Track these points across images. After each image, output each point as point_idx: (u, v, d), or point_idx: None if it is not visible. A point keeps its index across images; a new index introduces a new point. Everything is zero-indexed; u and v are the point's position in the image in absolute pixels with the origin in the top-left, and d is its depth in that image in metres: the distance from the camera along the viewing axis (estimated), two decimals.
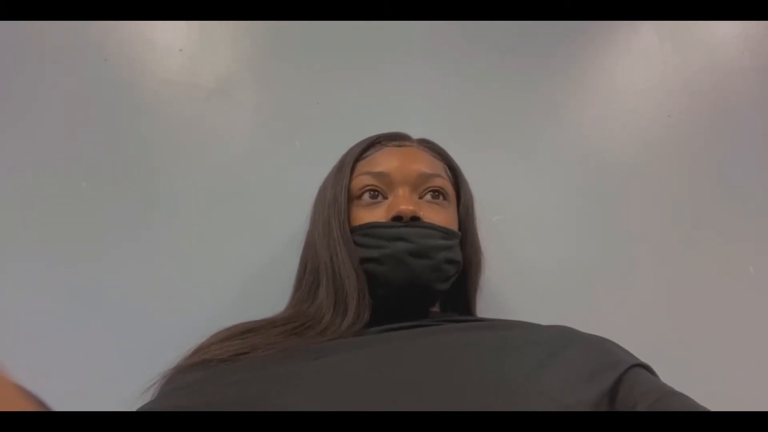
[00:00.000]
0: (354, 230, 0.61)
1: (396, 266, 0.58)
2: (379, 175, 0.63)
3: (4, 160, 0.81)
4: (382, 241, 0.59)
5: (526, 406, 0.45)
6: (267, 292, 0.72)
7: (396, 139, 0.69)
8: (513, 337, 0.54)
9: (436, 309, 0.67)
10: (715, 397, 0.52)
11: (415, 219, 0.60)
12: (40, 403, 0.33)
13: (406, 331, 0.56)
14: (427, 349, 0.52)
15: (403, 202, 0.60)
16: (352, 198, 0.64)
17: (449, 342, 0.53)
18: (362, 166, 0.66)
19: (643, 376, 0.52)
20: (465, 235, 0.67)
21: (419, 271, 0.58)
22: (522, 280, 0.83)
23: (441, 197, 0.65)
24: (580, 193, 0.90)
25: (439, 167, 0.67)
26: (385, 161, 0.64)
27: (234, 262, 0.80)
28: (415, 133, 0.72)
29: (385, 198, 0.63)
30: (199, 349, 0.57)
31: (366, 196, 0.63)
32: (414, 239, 0.58)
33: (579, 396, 0.47)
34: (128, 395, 0.55)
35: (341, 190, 0.63)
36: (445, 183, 0.66)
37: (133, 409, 0.53)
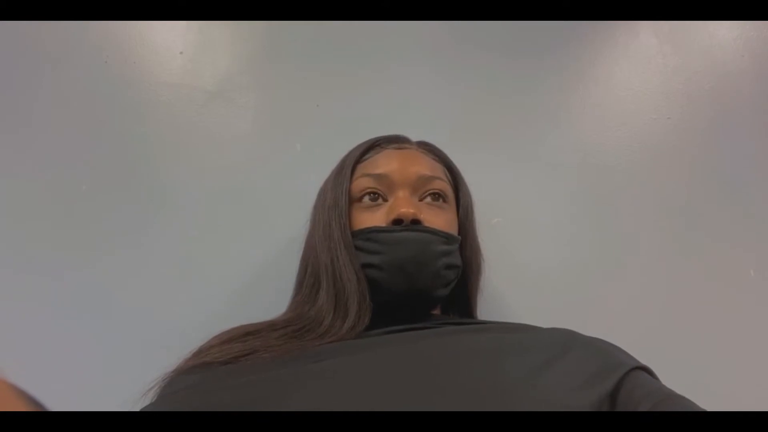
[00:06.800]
0: (355, 234, 0.61)
1: (396, 274, 0.58)
2: (378, 177, 0.63)
3: (4, 162, 0.81)
4: (383, 247, 0.59)
5: (526, 409, 0.44)
6: (268, 294, 0.73)
7: (395, 141, 0.69)
8: (513, 341, 0.54)
9: (437, 311, 0.67)
10: (714, 399, 0.52)
11: (415, 222, 0.59)
12: (37, 404, 0.33)
13: (406, 334, 0.56)
14: (427, 352, 0.52)
15: (403, 205, 0.60)
16: (352, 200, 0.64)
17: (450, 345, 0.53)
18: (362, 168, 0.66)
19: (644, 378, 0.52)
20: (465, 238, 0.67)
21: (419, 279, 0.58)
22: (522, 281, 0.83)
23: (441, 200, 0.64)
24: (579, 195, 0.90)
25: (438, 169, 0.67)
26: (385, 163, 0.64)
27: (235, 265, 0.80)
28: (415, 136, 0.72)
29: (385, 200, 0.63)
30: (200, 352, 0.56)
31: (366, 198, 0.63)
32: (414, 246, 0.58)
33: (580, 399, 0.47)
34: (128, 397, 0.55)
35: (341, 192, 0.63)
36: (444, 185, 0.66)
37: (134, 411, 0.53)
